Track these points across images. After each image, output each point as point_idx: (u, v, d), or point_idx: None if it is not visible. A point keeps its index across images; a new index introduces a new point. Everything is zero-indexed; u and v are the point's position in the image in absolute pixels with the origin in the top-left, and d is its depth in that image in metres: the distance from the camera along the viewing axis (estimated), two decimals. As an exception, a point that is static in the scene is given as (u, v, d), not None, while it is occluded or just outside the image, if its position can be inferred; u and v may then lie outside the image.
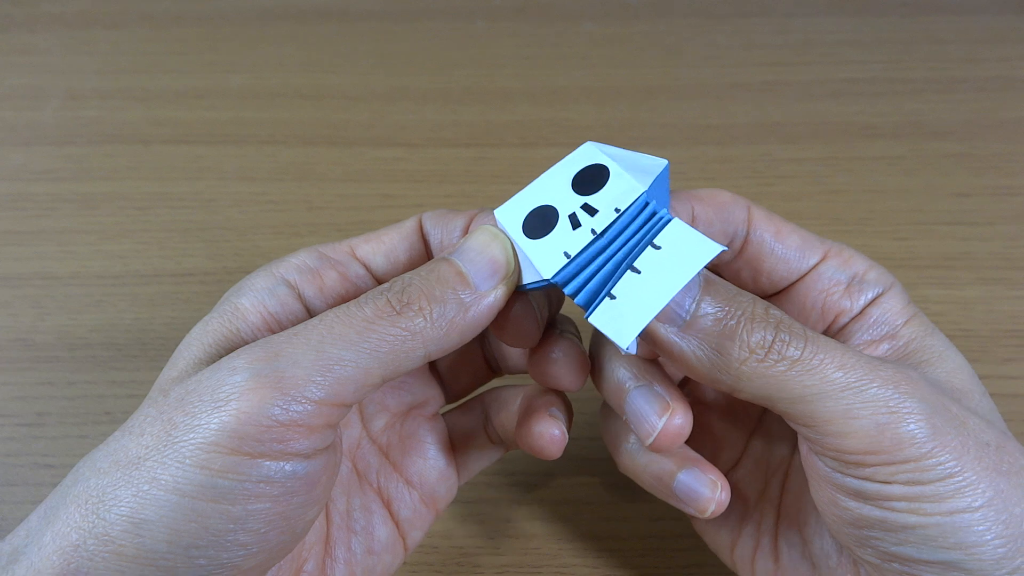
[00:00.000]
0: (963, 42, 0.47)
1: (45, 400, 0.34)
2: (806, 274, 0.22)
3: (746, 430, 0.25)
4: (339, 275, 0.22)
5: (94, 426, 0.33)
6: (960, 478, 0.17)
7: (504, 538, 0.30)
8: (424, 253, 0.23)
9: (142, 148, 0.43)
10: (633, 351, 0.19)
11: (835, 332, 0.22)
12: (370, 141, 0.43)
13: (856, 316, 0.22)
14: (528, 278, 0.20)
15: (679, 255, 0.18)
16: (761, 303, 0.19)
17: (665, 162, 0.20)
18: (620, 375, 0.22)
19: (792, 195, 0.40)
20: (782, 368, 0.18)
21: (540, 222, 0.20)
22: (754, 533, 0.23)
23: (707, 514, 0.22)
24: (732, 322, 0.19)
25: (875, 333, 0.21)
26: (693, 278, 0.18)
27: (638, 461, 0.23)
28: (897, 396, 0.18)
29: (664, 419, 0.21)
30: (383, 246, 0.23)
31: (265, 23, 0.49)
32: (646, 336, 0.19)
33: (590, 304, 0.19)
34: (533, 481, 0.31)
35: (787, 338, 0.18)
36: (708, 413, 0.26)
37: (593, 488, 0.31)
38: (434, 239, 0.23)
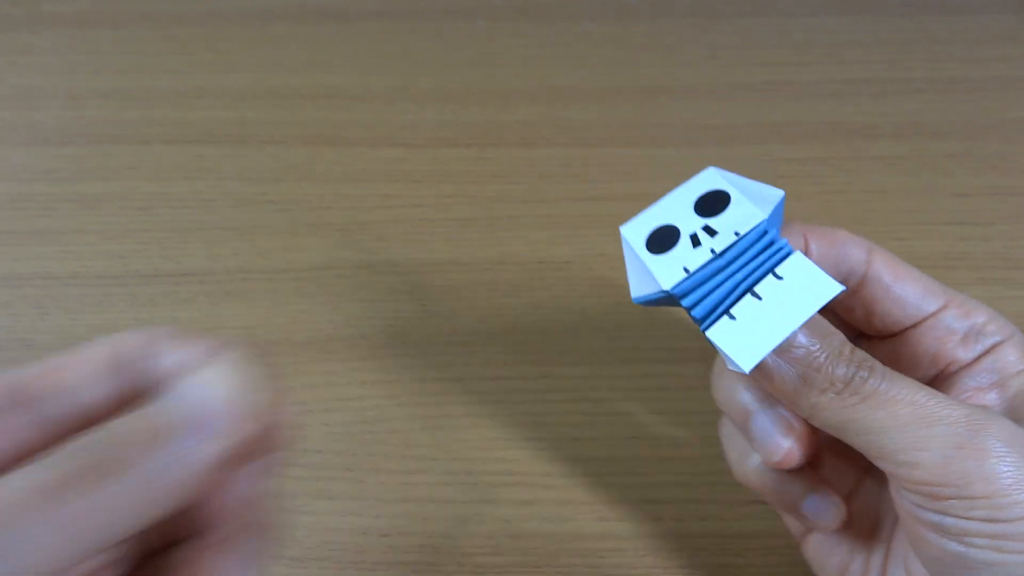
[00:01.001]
0: (963, 42, 0.47)
1: (45, 400, 0.34)
2: (922, 321, 0.23)
3: (857, 467, 0.26)
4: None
5: (94, 426, 0.33)
6: None
7: (504, 538, 0.30)
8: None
9: (142, 148, 0.43)
10: (748, 370, 0.20)
11: (944, 380, 0.23)
12: (370, 141, 0.43)
13: (967, 365, 0.22)
14: (646, 290, 0.21)
15: (801, 288, 0.20)
16: (848, 345, 0.20)
17: (782, 193, 0.21)
18: (744, 397, 0.23)
19: (792, 195, 0.40)
20: (854, 401, 0.19)
21: (663, 239, 0.22)
22: (863, 564, 0.24)
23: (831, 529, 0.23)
24: (821, 357, 0.20)
25: (983, 381, 0.22)
26: (815, 313, 0.19)
27: (766, 479, 0.24)
28: (967, 433, 0.18)
29: (790, 440, 0.22)
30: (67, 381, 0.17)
31: (265, 23, 0.49)
32: None
33: (706, 318, 0.20)
34: (533, 481, 0.31)
35: (865, 376, 0.19)
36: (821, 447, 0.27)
37: (593, 488, 0.31)
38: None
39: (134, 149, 0.43)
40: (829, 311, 0.24)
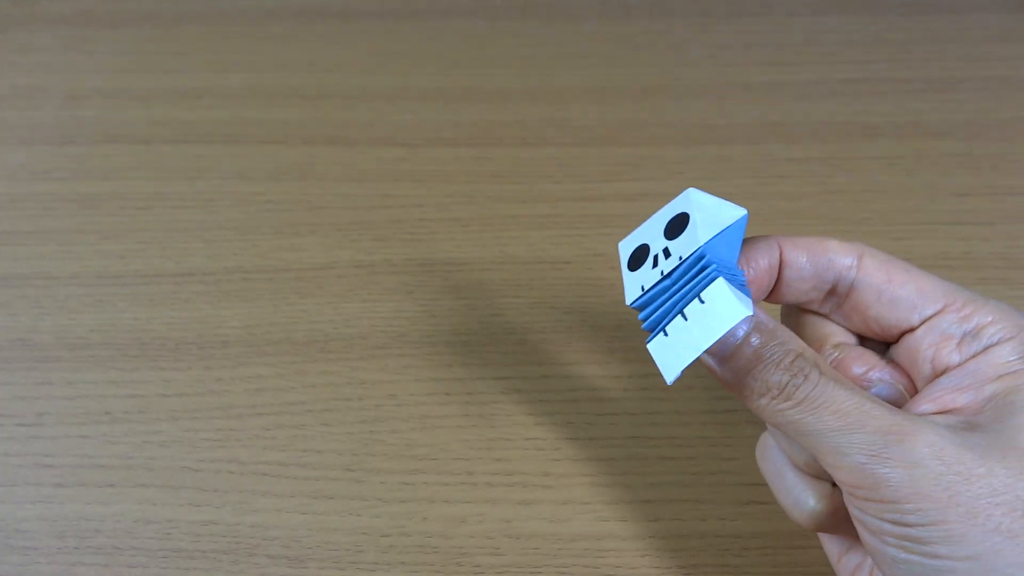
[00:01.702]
0: (963, 41, 0.47)
1: (44, 400, 0.34)
2: (920, 324, 0.23)
3: None
4: None
5: (94, 426, 0.33)
6: (944, 528, 0.19)
7: (504, 538, 0.30)
8: None
9: (142, 148, 0.43)
10: (670, 382, 0.22)
11: (934, 381, 0.23)
12: (370, 141, 0.43)
13: (956, 366, 0.22)
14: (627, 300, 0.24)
15: (714, 313, 0.21)
16: (792, 353, 0.22)
17: (742, 213, 0.22)
18: (777, 458, 0.25)
19: (792, 195, 0.40)
20: (787, 406, 0.21)
21: (638, 257, 0.24)
22: (861, 553, 0.24)
23: None
24: (760, 363, 0.21)
25: (961, 382, 0.22)
26: (719, 337, 0.21)
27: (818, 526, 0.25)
28: (881, 442, 0.20)
29: (822, 504, 0.23)
30: None
31: (265, 23, 0.49)
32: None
33: (650, 332, 0.22)
34: (533, 481, 0.31)
35: (799, 383, 0.21)
36: None
37: (594, 488, 0.31)
38: None
39: (134, 149, 0.43)
40: (827, 318, 0.25)
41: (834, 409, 0.21)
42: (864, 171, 0.41)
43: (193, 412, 0.33)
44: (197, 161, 0.42)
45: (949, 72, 0.46)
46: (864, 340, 0.25)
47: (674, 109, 0.44)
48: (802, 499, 0.23)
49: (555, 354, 0.35)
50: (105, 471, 0.32)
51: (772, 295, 0.24)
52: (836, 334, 0.25)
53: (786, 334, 0.22)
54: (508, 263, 0.38)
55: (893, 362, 0.24)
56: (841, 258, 0.24)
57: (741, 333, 0.22)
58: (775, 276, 0.24)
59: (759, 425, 0.33)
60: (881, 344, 0.25)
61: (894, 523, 0.20)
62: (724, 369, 0.22)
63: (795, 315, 0.26)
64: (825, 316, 0.25)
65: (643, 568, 0.29)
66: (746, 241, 0.24)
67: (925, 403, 0.22)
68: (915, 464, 0.19)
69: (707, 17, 0.49)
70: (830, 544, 0.25)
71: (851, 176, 0.41)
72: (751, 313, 0.21)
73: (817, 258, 0.24)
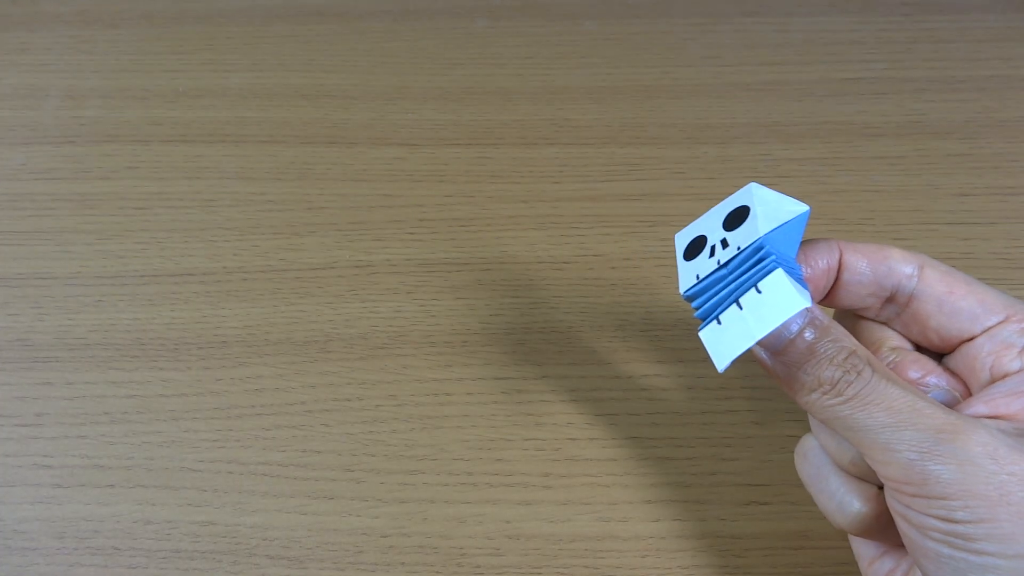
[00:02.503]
0: (964, 41, 0.47)
1: (44, 400, 0.33)
2: (980, 334, 0.23)
3: None
4: None
5: (93, 426, 0.33)
6: (993, 526, 0.19)
7: (504, 538, 0.30)
8: None
9: (141, 148, 0.43)
10: (721, 371, 0.22)
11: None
12: (370, 141, 0.43)
13: (1014, 372, 0.23)
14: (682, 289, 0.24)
15: (771, 304, 0.21)
16: (845, 350, 0.22)
17: (804, 209, 0.23)
18: (820, 459, 0.24)
19: (793, 195, 0.40)
20: (838, 402, 0.21)
21: (695, 248, 0.24)
22: (895, 558, 0.24)
23: None
24: (814, 359, 0.22)
25: (1016, 387, 0.22)
26: (776, 328, 0.21)
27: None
28: (933, 440, 0.20)
29: (868, 506, 0.23)
30: None
31: (265, 23, 0.49)
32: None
33: (702, 321, 0.23)
34: (533, 481, 0.31)
35: (851, 379, 0.21)
36: None
37: (593, 488, 0.31)
38: None
39: (133, 149, 0.43)
40: (886, 326, 0.25)
41: (886, 406, 0.21)
42: (864, 171, 0.41)
43: (192, 412, 0.33)
44: (197, 161, 0.42)
45: (950, 72, 0.46)
46: (919, 349, 0.25)
47: (674, 109, 0.44)
48: (846, 501, 0.23)
49: (555, 354, 0.35)
50: (104, 471, 0.32)
51: (828, 298, 0.25)
52: (892, 338, 0.25)
53: (840, 331, 0.22)
54: (508, 263, 0.38)
55: (949, 370, 0.24)
56: (902, 267, 0.24)
57: (796, 327, 0.22)
58: (833, 279, 0.24)
59: (760, 426, 0.33)
60: (935, 354, 0.25)
61: (941, 519, 0.20)
62: (776, 363, 0.22)
63: (851, 320, 0.26)
64: (882, 323, 0.25)
65: (643, 569, 0.29)
66: (805, 241, 0.24)
67: (979, 405, 0.22)
68: (967, 461, 0.19)
69: (707, 17, 0.49)
70: (863, 548, 0.25)
71: (851, 176, 0.41)
72: (809, 305, 0.21)
73: (877, 265, 0.24)
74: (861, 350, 0.22)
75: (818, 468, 0.24)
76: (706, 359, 0.34)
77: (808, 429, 0.25)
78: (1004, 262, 0.37)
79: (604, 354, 0.35)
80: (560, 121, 0.44)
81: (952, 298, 0.24)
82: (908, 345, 0.25)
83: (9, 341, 0.35)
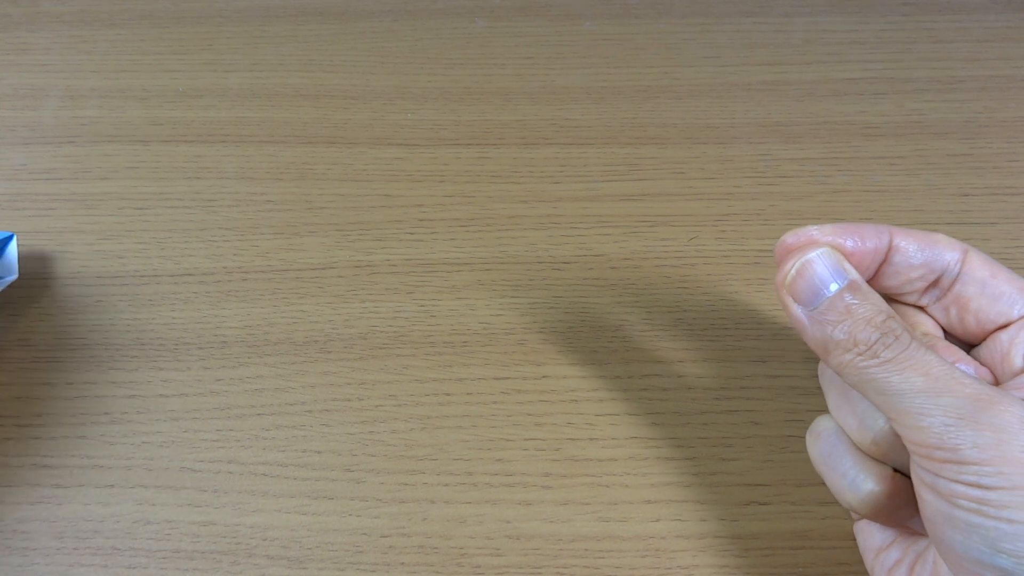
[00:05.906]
0: (965, 41, 0.47)
1: (44, 400, 0.33)
2: (1016, 320, 0.24)
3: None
4: None
5: (93, 426, 0.33)
6: None
7: (504, 538, 0.30)
8: None
9: (141, 148, 0.43)
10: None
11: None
12: (370, 141, 0.43)
13: None
14: None
15: None
16: (882, 313, 0.22)
17: None
18: (835, 440, 0.25)
19: (793, 195, 0.40)
20: (873, 363, 0.21)
21: None
22: (902, 548, 0.24)
23: None
24: (851, 320, 0.22)
25: None
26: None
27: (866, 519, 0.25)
28: (970, 405, 0.20)
29: (881, 485, 0.23)
30: None
31: (265, 23, 0.49)
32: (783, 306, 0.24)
33: None
34: (533, 481, 0.31)
35: (889, 342, 0.21)
36: None
37: (593, 488, 0.31)
38: None
39: (133, 149, 0.43)
40: (921, 309, 0.26)
41: (924, 371, 0.21)
42: (864, 171, 0.41)
43: (193, 412, 0.33)
44: (197, 161, 0.42)
45: (950, 72, 0.46)
46: (948, 339, 0.26)
47: (674, 109, 0.44)
48: (859, 480, 0.23)
49: (555, 354, 0.35)
50: (104, 471, 0.32)
51: (876, 279, 0.25)
52: (926, 323, 0.25)
53: (879, 299, 0.23)
54: (508, 263, 0.38)
55: (977, 360, 0.25)
56: (949, 252, 0.25)
57: (836, 287, 0.22)
58: (879, 261, 0.25)
59: (760, 425, 0.33)
60: (965, 345, 0.26)
61: (971, 485, 0.19)
62: (812, 322, 0.22)
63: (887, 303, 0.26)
64: (919, 307, 0.26)
65: (643, 569, 0.29)
66: (859, 223, 0.25)
67: (1010, 392, 0.22)
68: (1003, 429, 0.20)
69: (707, 17, 0.49)
70: (869, 539, 0.25)
71: (851, 176, 0.41)
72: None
73: (925, 248, 0.25)
74: (899, 319, 0.22)
75: (832, 447, 0.25)
76: (706, 359, 0.34)
77: (823, 411, 0.25)
78: (1004, 262, 0.37)
79: (604, 354, 0.35)
80: (560, 121, 0.44)
81: (995, 282, 0.24)
82: (940, 333, 0.25)
83: (10, 341, 0.35)
